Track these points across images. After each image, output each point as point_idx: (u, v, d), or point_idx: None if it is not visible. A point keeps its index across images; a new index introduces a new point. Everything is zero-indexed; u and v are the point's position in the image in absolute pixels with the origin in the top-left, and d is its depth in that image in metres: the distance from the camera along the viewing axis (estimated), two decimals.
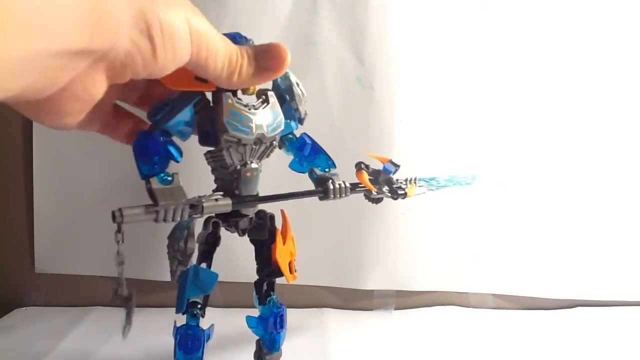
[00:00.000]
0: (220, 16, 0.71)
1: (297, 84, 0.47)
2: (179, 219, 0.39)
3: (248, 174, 0.44)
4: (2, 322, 0.73)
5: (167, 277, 0.50)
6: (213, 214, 0.45)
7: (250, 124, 0.42)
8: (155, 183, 0.39)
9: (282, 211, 0.50)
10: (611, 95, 0.76)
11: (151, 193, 0.39)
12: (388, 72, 0.74)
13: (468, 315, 0.76)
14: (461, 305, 0.79)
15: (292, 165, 0.50)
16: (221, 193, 0.43)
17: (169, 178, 0.40)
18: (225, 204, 0.43)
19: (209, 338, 0.47)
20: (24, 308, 0.77)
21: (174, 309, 0.46)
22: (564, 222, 0.78)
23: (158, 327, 0.52)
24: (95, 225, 0.72)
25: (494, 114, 0.76)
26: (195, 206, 0.40)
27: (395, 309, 0.79)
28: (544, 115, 0.76)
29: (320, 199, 0.48)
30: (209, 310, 0.48)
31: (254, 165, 0.44)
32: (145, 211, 0.38)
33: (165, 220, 0.39)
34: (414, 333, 0.70)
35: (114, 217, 0.37)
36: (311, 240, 0.73)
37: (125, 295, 0.38)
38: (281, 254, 0.47)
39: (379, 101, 0.74)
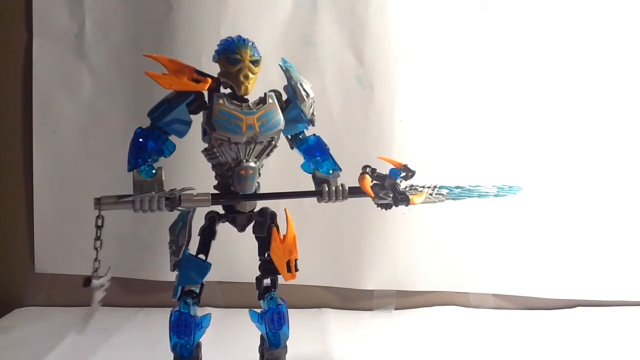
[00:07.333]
0: (220, 16, 0.70)
1: (301, 85, 0.47)
2: (156, 209, 0.43)
3: (242, 172, 0.45)
4: (2, 322, 0.73)
5: (167, 277, 0.50)
6: (212, 209, 0.48)
7: (240, 124, 0.43)
8: (137, 175, 0.44)
9: (285, 210, 0.50)
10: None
11: (133, 184, 0.43)
12: (388, 72, 0.74)
13: (468, 315, 0.77)
14: (461, 305, 0.79)
15: (302, 166, 0.50)
16: (192, 189, 0.45)
17: (153, 171, 0.44)
18: (202, 199, 0.45)
19: (200, 326, 0.48)
20: (24, 308, 0.77)
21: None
22: (564, 223, 0.78)
23: (158, 327, 0.53)
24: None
25: (493, 113, 0.76)
26: (171, 199, 0.44)
27: (395, 309, 0.79)
28: (542, 115, 0.76)
29: (318, 200, 0.49)
30: (209, 309, 0.48)
31: (249, 164, 0.45)
32: (120, 200, 0.43)
33: (142, 210, 0.43)
34: (414, 333, 0.70)
35: (95, 204, 0.42)
36: (311, 240, 0.73)
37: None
38: (276, 252, 0.47)
39: (379, 101, 0.74)
